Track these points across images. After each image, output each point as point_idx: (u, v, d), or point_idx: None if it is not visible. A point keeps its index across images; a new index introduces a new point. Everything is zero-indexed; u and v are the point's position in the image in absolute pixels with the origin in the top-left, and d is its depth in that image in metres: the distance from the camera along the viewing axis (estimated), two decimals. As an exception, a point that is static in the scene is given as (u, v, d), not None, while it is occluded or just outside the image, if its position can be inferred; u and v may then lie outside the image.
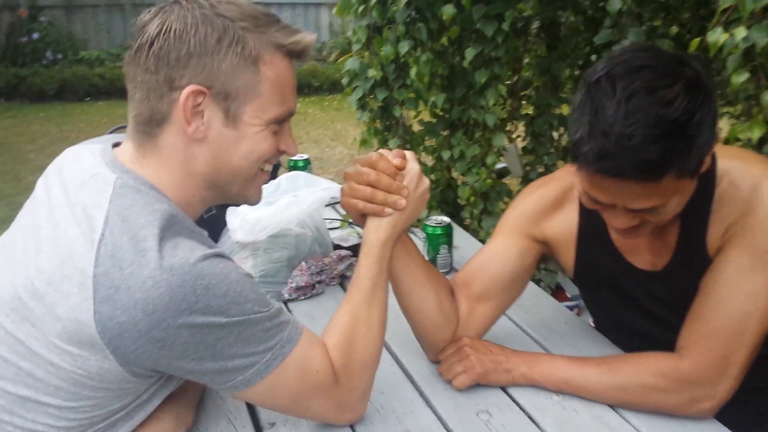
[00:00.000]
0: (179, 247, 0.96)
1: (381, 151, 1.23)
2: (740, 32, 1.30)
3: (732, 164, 1.26)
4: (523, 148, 2.77)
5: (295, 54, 1.08)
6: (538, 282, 2.77)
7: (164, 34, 1.01)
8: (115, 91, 8.37)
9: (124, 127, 1.72)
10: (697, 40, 1.36)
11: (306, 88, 8.93)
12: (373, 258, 1.20)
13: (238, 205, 1.72)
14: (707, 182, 1.26)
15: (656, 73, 1.09)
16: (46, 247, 1.00)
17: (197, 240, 1.01)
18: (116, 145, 1.13)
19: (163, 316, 0.92)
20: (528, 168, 2.76)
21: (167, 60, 1.01)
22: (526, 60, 2.73)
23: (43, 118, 7.47)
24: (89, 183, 1.03)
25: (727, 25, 1.34)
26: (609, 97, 1.08)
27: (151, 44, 1.01)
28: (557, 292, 2.69)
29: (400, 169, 1.23)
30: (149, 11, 1.04)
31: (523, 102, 2.76)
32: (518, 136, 2.76)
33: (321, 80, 8.25)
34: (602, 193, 1.17)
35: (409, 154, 1.24)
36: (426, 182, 1.25)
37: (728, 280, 1.21)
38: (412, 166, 1.24)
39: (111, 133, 1.66)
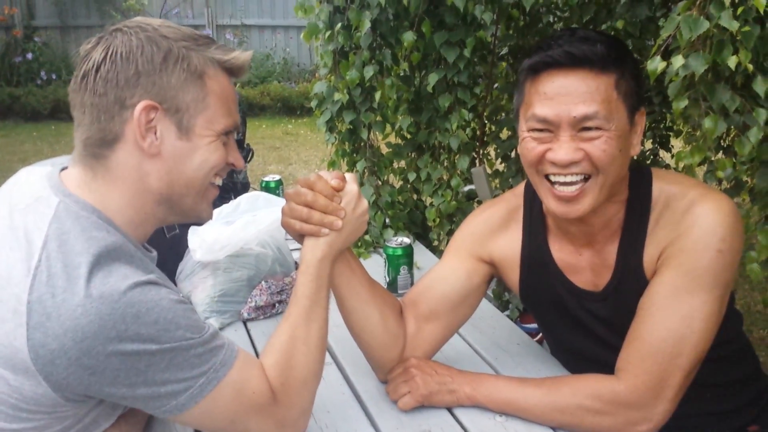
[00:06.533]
0: (112, 275, 0.97)
1: (320, 172, 1.25)
2: (678, 60, 1.33)
3: (669, 188, 1.29)
4: (496, 171, 2.80)
5: (233, 70, 1.13)
6: (506, 304, 2.76)
7: (110, 57, 1.04)
8: (108, 112, 8.44)
9: None
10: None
11: (298, 109, 8.94)
12: (309, 276, 1.21)
13: (195, 224, 1.73)
14: (643, 204, 1.29)
15: None
16: None
17: (136, 266, 1.01)
18: (65, 168, 1.14)
19: (92, 344, 0.94)
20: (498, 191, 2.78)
21: (116, 81, 1.04)
22: (496, 85, 2.77)
23: (36, 137, 7.48)
24: (33, 206, 1.05)
25: (668, 54, 1.38)
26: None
27: (98, 69, 1.05)
28: (525, 315, 2.68)
29: (338, 190, 1.24)
30: (90, 41, 1.08)
31: (495, 126, 2.80)
32: (490, 159, 2.81)
33: (313, 102, 8.29)
34: (548, 103, 1.20)
35: (348, 175, 1.26)
36: (364, 204, 1.26)
37: (664, 303, 1.23)
38: (351, 188, 1.25)
39: None
